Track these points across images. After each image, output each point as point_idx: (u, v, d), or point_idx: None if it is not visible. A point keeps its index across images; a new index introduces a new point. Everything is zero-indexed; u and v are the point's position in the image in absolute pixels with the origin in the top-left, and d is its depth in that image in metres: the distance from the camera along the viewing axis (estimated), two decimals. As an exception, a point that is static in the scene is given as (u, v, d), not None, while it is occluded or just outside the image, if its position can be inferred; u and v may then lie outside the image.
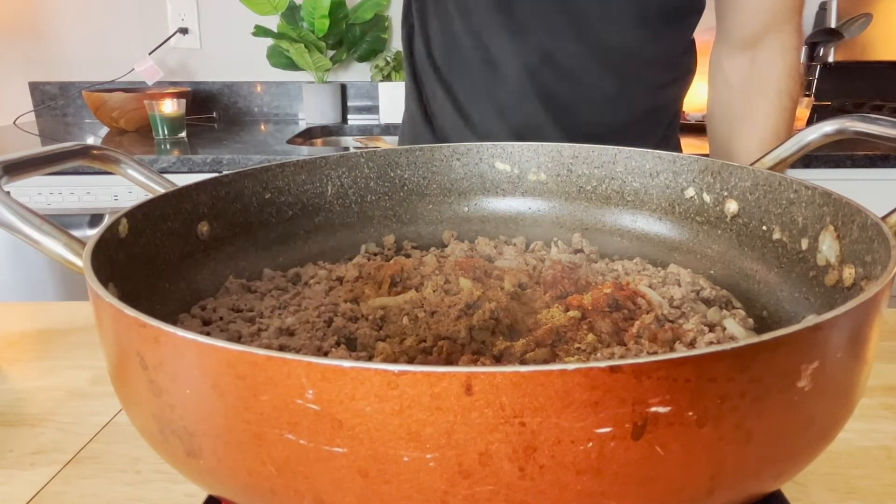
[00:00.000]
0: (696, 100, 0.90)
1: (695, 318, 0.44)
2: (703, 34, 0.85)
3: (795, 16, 0.78)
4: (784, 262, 0.45)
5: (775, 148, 0.50)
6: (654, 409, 0.22)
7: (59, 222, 0.34)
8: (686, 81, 0.87)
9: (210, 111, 2.03)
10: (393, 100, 1.88)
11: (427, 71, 0.86)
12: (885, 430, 0.45)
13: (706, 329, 0.43)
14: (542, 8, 0.75)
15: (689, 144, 1.64)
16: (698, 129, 1.69)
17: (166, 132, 1.67)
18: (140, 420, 0.29)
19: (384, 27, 1.94)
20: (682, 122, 1.82)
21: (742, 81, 0.80)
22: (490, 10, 0.77)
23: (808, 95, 1.79)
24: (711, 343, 0.41)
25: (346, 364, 0.21)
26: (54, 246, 0.34)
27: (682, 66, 0.85)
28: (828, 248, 0.41)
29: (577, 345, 0.40)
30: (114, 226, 0.38)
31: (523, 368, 0.21)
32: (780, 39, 0.77)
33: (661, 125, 0.86)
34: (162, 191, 0.46)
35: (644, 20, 0.76)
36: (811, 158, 1.43)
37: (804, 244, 0.43)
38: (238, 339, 0.43)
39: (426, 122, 0.87)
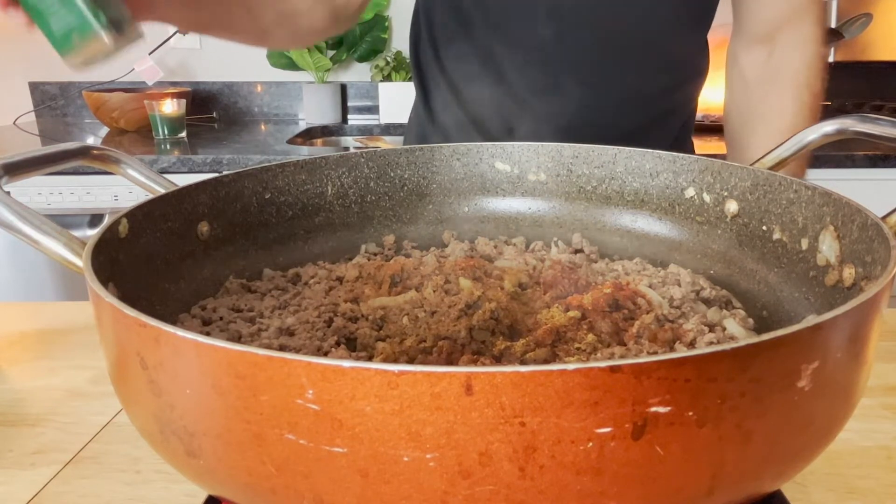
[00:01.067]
0: (700, 101, 0.90)
1: (695, 318, 0.44)
2: (712, 32, 0.84)
3: (815, 6, 0.74)
4: (784, 262, 0.45)
5: (775, 148, 0.50)
6: (654, 409, 0.22)
7: (59, 222, 0.34)
8: (700, 81, 0.85)
9: (210, 111, 2.03)
10: (393, 100, 1.88)
11: (437, 79, 0.85)
12: (885, 430, 0.45)
13: (706, 329, 0.43)
14: (561, 8, 0.74)
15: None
16: (704, 130, 1.69)
17: (166, 132, 1.67)
18: (140, 420, 0.29)
19: (384, 27, 1.94)
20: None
21: (758, 76, 0.77)
22: (502, 13, 0.76)
23: (808, 95, 1.79)
24: (711, 343, 0.41)
25: (346, 364, 0.21)
26: (54, 246, 0.34)
27: (697, 66, 0.83)
28: (828, 248, 0.41)
29: (577, 345, 0.40)
30: (114, 226, 0.38)
31: (523, 368, 0.21)
32: (800, 31, 0.74)
33: (676, 126, 0.84)
34: (162, 191, 0.46)
35: (664, 19, 0.75)
36: (811, 158, 1.43)
37: (804, 244, 0.43)
38: (238, 339, 0.43)
39: (434, 127, 0.87)
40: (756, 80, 0.77)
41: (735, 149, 0.81)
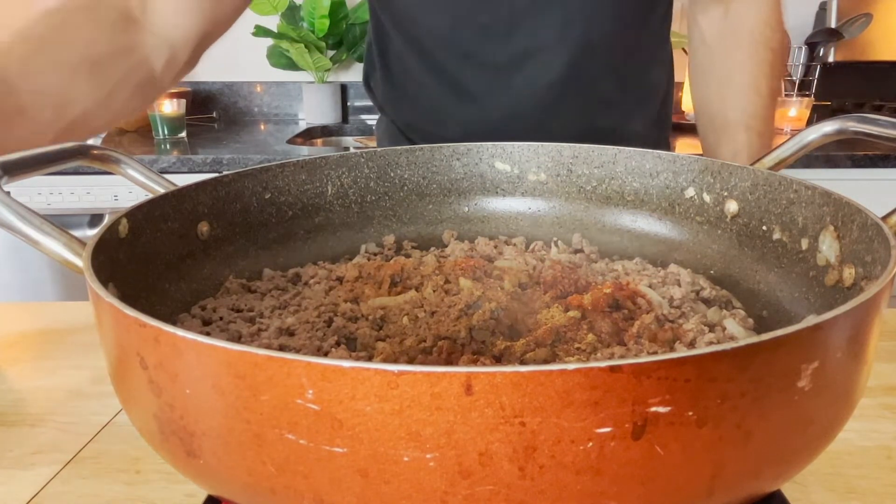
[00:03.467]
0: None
1: (695, 318, 0.44)
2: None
3: None
4: (784, 262, 0.45)
5: (775, 148, 0.50)
6: (654, 409, 0.22)
7: (59, 222, 0.34)
8: (669, 63, 0.86)
9: (210, 111, 2.03)
10: (393, 100, 1.88)
11: (395, 117, 0.86)
12: (885, 430, 0.45)
13: (706, 329, 0.43)
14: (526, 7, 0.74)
15: (688, 144, 1.64)
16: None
17: (166, 132, 1.67)
18: (140, 420, 0.29)
19: (384, 27, 1.94)
20: (683, 122, 1.82)
21: (717, 36, 0.77)
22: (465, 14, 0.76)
23: (807, 95, 1.80)
24: (711, 343, 0.41)
25: (346, 364, 0.21)
26: (54, 246, 0.34)
27: (663, 44, 0.84)
28: (828, 248, 0.41)
29: (577, 345, 0.40)
30: (114, 226, 0.38)
31: (523, 368, 0.21)
32: None
33: (649, 103, 0.85)
34: (162, 191, 0.46)
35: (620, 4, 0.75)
36: (811, 158, 1.43)
37: (804, 244, 0.43)
38: (238, 339, 0.43)
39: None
40: (715, 40, 0.77)
41: (700, 112, 0.81)
